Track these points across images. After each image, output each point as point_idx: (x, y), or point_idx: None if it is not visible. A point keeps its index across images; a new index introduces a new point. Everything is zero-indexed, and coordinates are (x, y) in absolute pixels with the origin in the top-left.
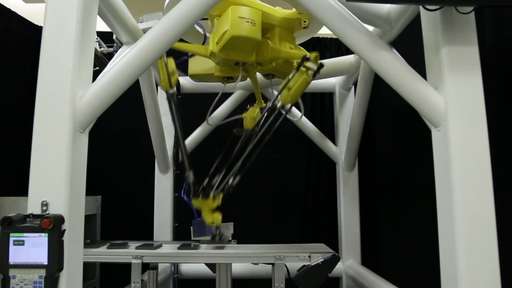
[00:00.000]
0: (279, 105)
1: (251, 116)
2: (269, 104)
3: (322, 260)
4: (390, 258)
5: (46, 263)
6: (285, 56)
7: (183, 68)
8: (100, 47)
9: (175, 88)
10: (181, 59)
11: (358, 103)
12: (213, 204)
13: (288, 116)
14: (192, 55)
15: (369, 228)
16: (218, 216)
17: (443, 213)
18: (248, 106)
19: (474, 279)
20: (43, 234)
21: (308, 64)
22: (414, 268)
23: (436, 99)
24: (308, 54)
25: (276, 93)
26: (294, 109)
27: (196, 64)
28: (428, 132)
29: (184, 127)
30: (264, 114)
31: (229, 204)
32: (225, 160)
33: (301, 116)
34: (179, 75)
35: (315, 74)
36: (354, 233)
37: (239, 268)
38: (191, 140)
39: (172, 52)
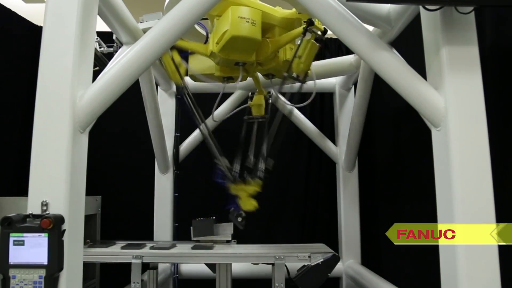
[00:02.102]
0: (294, 75)
1: (258, 103)
2: (285, 75)
3: (322, 260)
4: (390, 258)
5: (46, 263)
6: (286, 39)
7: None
8: (100, 47)
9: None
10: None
11: (358, 103)
12: (252, 189)
13: (288, 117)
14: (192, 52)
15: (369, 228)
16: (254, 203)
17: (443, 212)
18: (250, 94)
19: (474, 279)
20: (43, 234)
21: (314, 28)
22: (414, 268)
23: (436, 99)
24: (311, 18)
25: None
26: (294, 109)
27: (196, 64)
28: (428, 132)
29: (184, 127)
30: (269, 102)
31: (229, 204)
32: (245, 148)
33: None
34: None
35: (321, 39)
36: (354, 233)
37: (239, 268)
38: (192, 140)
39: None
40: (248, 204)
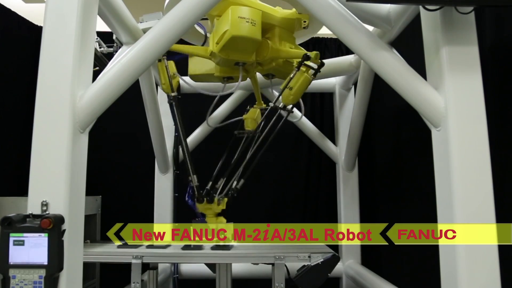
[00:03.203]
0: (280, 105)
1: (252, 117)
2: (271, 105)
3: (322, 260)
4: (390, 258)
5: (46, 263)
6: (285, 55)
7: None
8: (100, 47)
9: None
10: (181, 56)
11: (358, 103)
12: (218, 208)
13: (288, 118)
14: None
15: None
16: (222, 220)
17: (443, 212)
18: (248, 107)
19: (474, 279)
20: (43, 234)
21: (309, 63)
22: (414, 268)
23: (436, 99)
24: (308, 53)
25: (276, 93)
26: (294, 109)
27: (196, 65)
28: (428, 132)
29: (184, 127)
30: (264, 115)
31: (229, 205)
32: (227, 162)
33: (301, 117)
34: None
35: (316, 73)
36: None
37: (239, 268)
38: (191, 140)
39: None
40: (215, 222)
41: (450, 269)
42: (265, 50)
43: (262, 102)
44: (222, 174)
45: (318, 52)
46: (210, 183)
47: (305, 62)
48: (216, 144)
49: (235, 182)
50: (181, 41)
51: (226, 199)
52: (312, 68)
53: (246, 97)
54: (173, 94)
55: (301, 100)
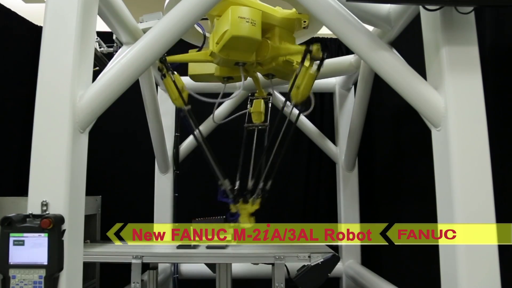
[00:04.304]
0: (292, 104)
1: (258, 110)
2: (282, 105)
3: (322, 260)
4: (390, 258)
5: (46, 263)
6: (285, 52)
7: (182, 71)
8: (100, 47)
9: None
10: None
11: (358, 103)
12: (252, 208)
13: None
14: None
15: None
16: (253, 220)
17: (443, 212)
18: (249, 97)
19: (474, 279)
20: (43, 234)
21: (312, 55)
22: (414, 268)
23: (436, 99)
24: (310, 46)
25: (276, 93)
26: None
27: (196, 65)
28: (428, 132)
29: (184, 127)
30: (269, 107)
31: (228, 204)
32: (245, 159)
33: (310, 110)
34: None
35: (320, 66)
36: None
37: (239, 268)
38: (192, 139)
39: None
40: (247, 221)
41: (450, 269)
42: (265, 50)
43: (263, 90)
44: (244, 172)
45: (319, 43)
46: (238, 182)
47: (308, 55)
48: (218, 142)
49: (265, 183)
50: (181, 41)
51: (259, 199)
52: (317, 59)
53: (246, 97)
54: (186, 107)
55: (311, 94)
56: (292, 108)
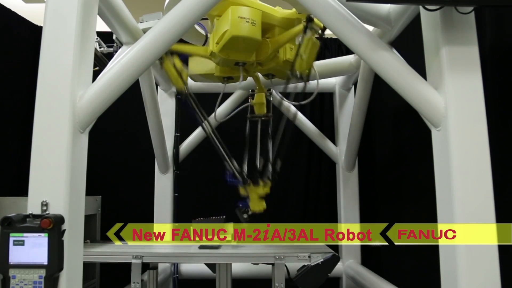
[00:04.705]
0: (297, 74)
1: (260, 102)
2: (288, 74)
3: (322, 260)
4: (390, 258)
5: (46, 263)
6: (286, 38)
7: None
8: (100, 47)
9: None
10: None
11: (358, 103)
12: (262, 191)
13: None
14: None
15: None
16: (263, 203)
17: (443, 212)
18: (250, 91)
19: (474, 279)
20: (43, 234)
21: (313, 25)
22: (414, 268)
23: (436, 99)
24: (310, 15)
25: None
26: (293, 108)
27: (196, 65)
28: (428, 132)
29: (184, 127)
30: (271, 98)
31: (229, 204)
32: (252, 147)
33: (317, 83)
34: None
35: (321, 35)
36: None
37: (239, 268)
38: (192, 140)
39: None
40: (258, 205)
41: (450, 269)
42: (265, 50)
43: (263, 87)
44: (251, 157)
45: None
46: (244, 166)
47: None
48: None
49: (275, 164)
50: (181, 41)
51: (270, 182)
52: (317, 31)
53: (246, 95)
54: (186, 89)
55: (314, 68)
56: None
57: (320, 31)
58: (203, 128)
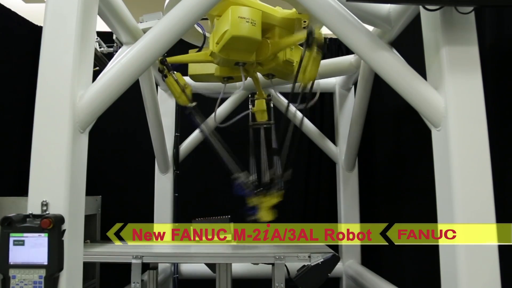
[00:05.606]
0: (301, 87)
1: (261, 109)
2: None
3: (322, 260)
4: (390, 258)
5: (46, 263)
6: (286, 44)
7: (182, 71)
8: (100, 47)
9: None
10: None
11: (358, 103)
12: (273, 201)
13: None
14: None
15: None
16: (274, 213)
17: (443, 212)
18: (250, 98)
19: (474, 279)
20: (43, 234)
21: (314, 40)
22: (414, 268)
23: (436, 99)
24: (311, 29)
25: (277, 94)
26: (293, 109)
27: (196, 65)
28: (428, 132)
29: (184, 127)
30: (271, 105)
31: (229, 204)
32: (256, 155)
33: (316, 97)
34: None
35: (323, 47)
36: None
37: (239, 268)
38: (192, 140)
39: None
40: (268, 216)
41: (450, 269)
42: (265, 50)
43: (263, 92)
44: (258, 167)
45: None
46: (254, 175)
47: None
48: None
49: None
50: (181, 41)
51: (282, 191)
52: (319, 42)
53: (246, 96)
54: (191, 104)
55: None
56: (301, 95)
57: (321, 44)
58: (209, 142)
